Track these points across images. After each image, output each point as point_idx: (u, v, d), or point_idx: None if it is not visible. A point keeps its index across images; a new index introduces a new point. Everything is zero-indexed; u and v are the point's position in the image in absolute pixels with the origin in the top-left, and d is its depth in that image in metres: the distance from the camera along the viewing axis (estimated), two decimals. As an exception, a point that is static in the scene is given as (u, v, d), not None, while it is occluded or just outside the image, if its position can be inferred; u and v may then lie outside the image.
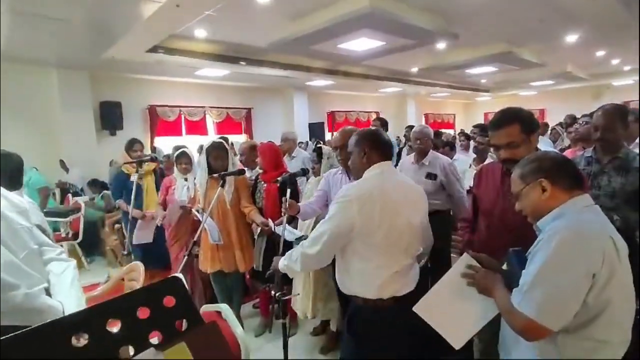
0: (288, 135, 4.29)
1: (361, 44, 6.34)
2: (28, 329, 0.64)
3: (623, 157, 1.98)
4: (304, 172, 2.59)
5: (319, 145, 2.89)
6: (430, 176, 2.84)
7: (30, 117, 6.70)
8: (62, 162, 6.85)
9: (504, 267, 1.30)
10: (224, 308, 1.55)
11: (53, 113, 6.89)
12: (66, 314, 1.26)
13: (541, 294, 1.06)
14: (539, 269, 1.07)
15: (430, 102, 15.47)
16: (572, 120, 5.70)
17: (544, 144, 4.13)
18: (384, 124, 4.05)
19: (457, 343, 1.27)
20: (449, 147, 4.66)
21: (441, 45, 6.81)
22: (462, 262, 1.33)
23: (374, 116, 13.19)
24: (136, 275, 2.46)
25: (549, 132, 5.76)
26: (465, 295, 1.27)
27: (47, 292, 1.34)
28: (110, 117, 7.57)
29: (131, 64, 6.52)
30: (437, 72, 9.64)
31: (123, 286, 2.54)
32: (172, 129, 8.63)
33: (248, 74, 7.99)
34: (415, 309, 1.35)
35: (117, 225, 5.15)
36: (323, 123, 11.80)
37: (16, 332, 0.62)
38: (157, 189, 3.54)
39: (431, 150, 2.98)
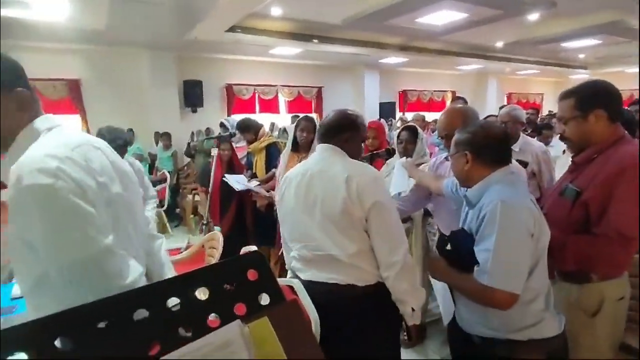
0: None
1: (441, 17, 5.93)
2: (125, 291, 0.69)
3: None
4: (389, 153, 2.50)
5: (411, 124, 2.64)
6: (520, 163, 2.57)
7: (126, 95, 7.41)
8: (165, 135, 6.63)
9: (448, 247, 1.37)
10: (296, 284, 1.56)
11: (144, 91, 7.52)
12: None
13: (504, 267, 1.16)
14: (495, 245, 1.16)
15: (515, 81, 14.13)
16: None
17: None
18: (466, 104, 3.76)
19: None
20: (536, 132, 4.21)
21: (534, 15, 6.08)
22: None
23: (449, 96, 12.45)
24: (215, 243, 2.63)
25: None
26: None
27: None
28: (192, 95, 8.08)
29: (211, 44, 6.83)
30: (526, 47, 8.71)
31: (204, 252, 2.75)
32: (247, 106, 8.97)
33: (320, 52, 7.93)
34: None
35: (197, 197, 5.56)
36: (394, 103, 11.41)
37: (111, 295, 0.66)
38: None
39: (522, 134, 2.66)
